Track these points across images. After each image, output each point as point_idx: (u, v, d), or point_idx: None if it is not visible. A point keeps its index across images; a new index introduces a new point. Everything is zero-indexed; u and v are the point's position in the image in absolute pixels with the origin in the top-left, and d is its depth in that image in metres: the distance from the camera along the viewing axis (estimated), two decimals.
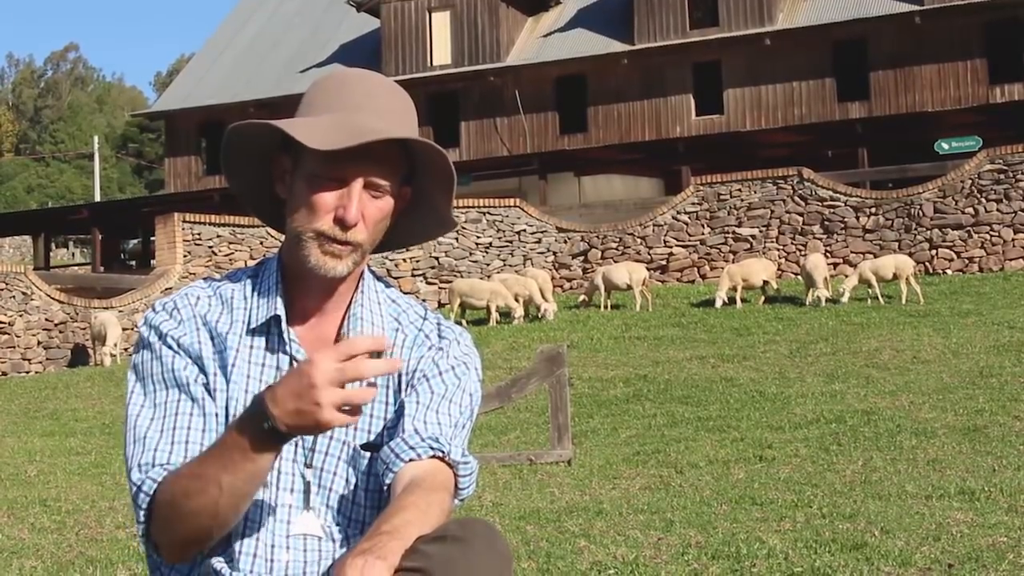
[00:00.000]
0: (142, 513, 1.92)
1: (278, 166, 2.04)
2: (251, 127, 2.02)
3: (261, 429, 1.79)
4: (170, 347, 2.00)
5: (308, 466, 2.00)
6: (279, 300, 2.03)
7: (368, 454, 2.02)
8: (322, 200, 1.96)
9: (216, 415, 1.97)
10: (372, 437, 2.03)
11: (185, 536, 1.88)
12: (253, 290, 2.06)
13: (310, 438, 2.00)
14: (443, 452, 1.94)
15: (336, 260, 1.97)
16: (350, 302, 2.06)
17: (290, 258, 2.03)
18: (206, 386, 1.99)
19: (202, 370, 2.00)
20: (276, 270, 2.06)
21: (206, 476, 1.83)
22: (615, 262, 23.08)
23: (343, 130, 1.93)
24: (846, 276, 19.95)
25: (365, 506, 2.01)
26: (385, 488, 1.94)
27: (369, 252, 2.02)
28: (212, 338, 2.02)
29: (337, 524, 2.00)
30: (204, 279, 2.11)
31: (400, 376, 2.06)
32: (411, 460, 1.92)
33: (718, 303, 19.68)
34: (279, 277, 2.05)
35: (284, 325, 2.02)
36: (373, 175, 1.96)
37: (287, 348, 2.02)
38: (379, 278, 2.15)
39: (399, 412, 2.02)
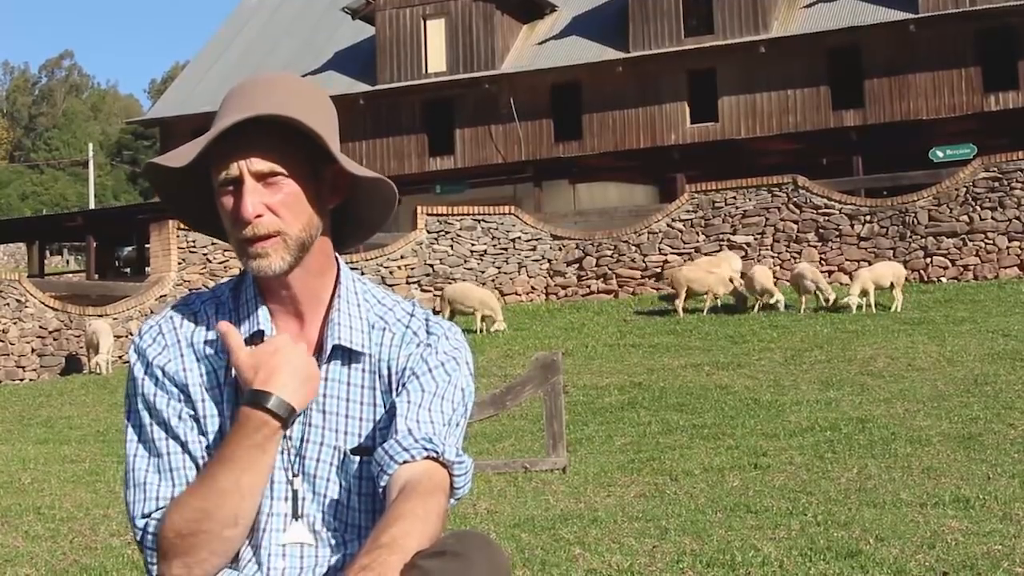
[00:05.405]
0: (154, 554, 1.94)
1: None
2: (154, 168, 1.96)
3: (274, 418, 1.87)
4: (155, 378, 2.01)
5: (295, 475, 2.00)
6: (261, 311, 2.02)
7: (358, 458, 2.01)
8: (225, 208, 1.95)
9: (203, 457, 1.98)
10: (362, 440, 2.02)
11: (208, 558, 1.91)
12: (236, 302, 2.06)
13: (296, 446, 2.00)
14: (437, 452, 1.92)
15: (264, 259, 1.94)
16: (329, 307, 2.05)
17: None
18: (193, 416, 2.00)
19: (189, 398, 2.00)
20: (253, 282, 2.05)
21: (223, 488, 1.88)
22: (610, 269, 23.14)
23: (203, 139, 1.90)
24: (841, 284, 19.86)
25: (359, 510, 2.01)
26: (380, 490, 1.93)
27: (308, 241, 1.97)
28: (199, 359, 2.02)
29: (333, 530, 2.01)
30: (187, 295, 2.11)
31: (390, 376, 2.04)
32: (405, 462, 1.90)
33: (677, 303, 19.92)
34: (257, 288, 2.04)
35: (268, 336, 2.00)
36: (255, 163, 1.92)
37: None
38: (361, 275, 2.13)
39: (391, 412, 2.01)
